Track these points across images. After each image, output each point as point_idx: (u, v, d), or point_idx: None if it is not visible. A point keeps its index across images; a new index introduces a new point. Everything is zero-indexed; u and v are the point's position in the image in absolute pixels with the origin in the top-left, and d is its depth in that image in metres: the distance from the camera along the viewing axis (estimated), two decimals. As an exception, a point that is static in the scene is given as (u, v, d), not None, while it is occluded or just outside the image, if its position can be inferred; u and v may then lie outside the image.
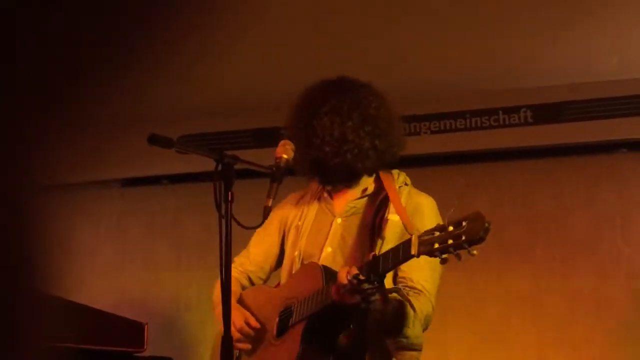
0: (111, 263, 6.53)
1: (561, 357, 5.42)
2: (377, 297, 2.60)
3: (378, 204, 2.97)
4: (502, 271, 5.64)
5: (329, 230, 3.02)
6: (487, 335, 5.57)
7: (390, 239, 2.85)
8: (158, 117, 5.79)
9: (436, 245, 2.38)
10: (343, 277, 2.55)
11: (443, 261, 2.39)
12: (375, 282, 2.55)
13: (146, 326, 5.11)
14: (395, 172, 3.11)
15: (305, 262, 2.98)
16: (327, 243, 2.99)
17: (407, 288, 2.80)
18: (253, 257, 3.23)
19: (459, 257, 2.36)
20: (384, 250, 2.81)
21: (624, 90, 5.51)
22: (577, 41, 5.10)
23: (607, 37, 5.04)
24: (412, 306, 2.73)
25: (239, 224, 2.63)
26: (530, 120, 5.70)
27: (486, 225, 2.31)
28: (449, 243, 2.35)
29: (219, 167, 2.58)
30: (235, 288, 3.11)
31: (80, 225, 6.50)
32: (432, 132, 5.87)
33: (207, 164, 2.61)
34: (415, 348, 2.80)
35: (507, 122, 5.74)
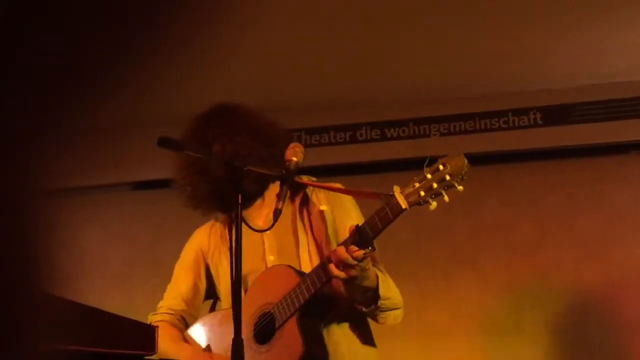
0: (122, 266, 6.53)
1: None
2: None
3: (300, 201, 3.03)
4: (511, 272, 5.63)
5: (262, 242, 3.02)
6: (493, 332, 5.56)
7: (329, 227, 2.93)
8: (169, 121, 5.82)
9: (422, 193, 2.45)
10: (343, 253, 2.56)
11: (429, 204, 2.45)
12: (370, 248, 2.58)
13: (157, 329, 5.10)
14: (297, 177, 3.09)
15: (250, 284, 2.97)
16: (266, 253, 3.01)
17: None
18: (182, 296, 3.21)
19: (446, 195, 2.44)
20: (332, 240, 2.90)
21: (633, 91, 5.51)
22: (586, 43, 5.09)
23: (616, 39, 5.03)
24: (382, 270, 2.81)
25: (249, 227, 2.63)
26: (539, 121, 5.70)
27: (465, 160, 2.45)
28: (434, 187, 2.43)
29: (228, 171, 2.58)
30: (175, 331, 3.13)
31: (90, 228, 6.51)
32: (442, 134, 5.87)
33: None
34: (398, 307, 2.85)
35: (516, 124, 5.74)
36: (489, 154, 5.80)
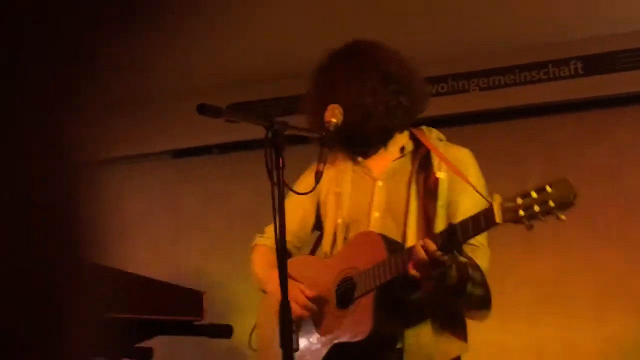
0: (165, 234, 6.59)
1: (589, 336, 5.37)
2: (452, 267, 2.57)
3: (421, 161, 2.92)
4: (559, 228, 5.58)
5: (372, 194, 2.95)
6: (543, 290, 5.54)
7: (440, 196, 2.83)
8: (206, 87, 5.84)
9: (521, 213, 2.32)
10: (422, 253, 2.50)
11: (529, 227, 2.32)
12: (454, 252, 2.53)
13: (204, 295, 5.15)
14: (425, 128, 3.07)
15: (351, 234, 2.93)
16: (373, 208, 2.92)
17: (466, 246, 2.75)
18: (288, 225, 3.18)
19: (543, 220, 2.31)
20: (440, 212, 2.80)
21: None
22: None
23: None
24: (477, 265, 2.71)
25: (291, 190, 2.63)
26: (580, 71, 5.62)
27: (574, 190, 2.28)
28: (535, 210, 2.29)
29: (269, 134, 2.56)
30: (271, 257, 3.06)
31: (133, 197, 6.57)
32: (481, 89, 5.82)
33: (257, 132, 2.59)
34: (486, 307, 2.76)
35: (557, 75, 5.67)
36: (530, 106, 5.74)
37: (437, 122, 5.68)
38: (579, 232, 5.52)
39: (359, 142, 3.03)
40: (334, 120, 2.76)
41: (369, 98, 2.88)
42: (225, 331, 4.84)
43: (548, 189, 2.29)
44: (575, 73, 5.62)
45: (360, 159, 3.06)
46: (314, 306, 2.88)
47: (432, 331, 2.76)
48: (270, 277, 2.96)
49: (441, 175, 2.85)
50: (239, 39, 5.01)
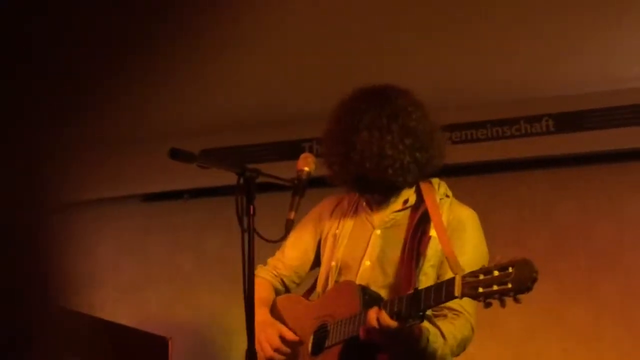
0: (134, 279, 6.54)
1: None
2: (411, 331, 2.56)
3: (419, 217, 2.89)
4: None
5: (368, 242, 2.94)
6: (512, 349, 5.53)
7: (431, 256, 2.80)
8: (179, 132, 5.83)
9: (480, 290, 2.32)
10: (373, 319, 2.50)
11: (487, 305, 2.34)
12: (416, 319, 2.51)
13: (170, 341, 5.10)
14: (435, 181, 3.04)
15: (342, 278, 2.92)
16: (365, 256, 2.91)
17: (445, 309, 2.73)
18: (288, 261, 3.17)
19: (502, 303, 2.31)
20: (425, 268, 2.78)
21: (647, 97, 5.49)
22: (597, 49, 5.07)
23: (629, 44, 5.00)
24: (442, 333, 2.67)
25: (261, 237, 2.62)
26: (552, 129, 5.67)
27: (534, 275, 2.24)
28: (494, 289, 2.30)
29: (241, 181, 2.56)
30: (266, 293, 3.09)
31: (102, 241, 6.52)
32: (454, 142, 5.85)
33: (228, 178, 2.60)
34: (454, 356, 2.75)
35: (528, 131, 5.72)
36: (502, 161, 5.78)
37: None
38: (548, 287, 5.53)
39: (367, 188, 3.01)
40: (306, 168, 2.78)
41: (389, 151, 2.85)
42: (190, 378, 4.80)
43: (510, 269, 2.28)
44: (546, 130, 5.68)
45: (365, 204, 3.05)
46: (287, 349, 2.87)
47: None
48: (257, 312, 2.99)
49: (434, 234, 2.82)
50: (214, 86, 5.02)
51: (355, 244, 2.96)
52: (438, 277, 2.78)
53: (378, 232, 2.94)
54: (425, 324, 2.62)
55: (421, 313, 2.50)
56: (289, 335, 2.88)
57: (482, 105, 5.79)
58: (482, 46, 5.04)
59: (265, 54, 4.91)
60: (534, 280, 2.24)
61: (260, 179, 2.62)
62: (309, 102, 5.64)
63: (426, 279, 2.76)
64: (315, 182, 3.01)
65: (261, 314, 2.95)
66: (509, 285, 2.26)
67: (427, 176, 3.00)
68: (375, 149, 2.85)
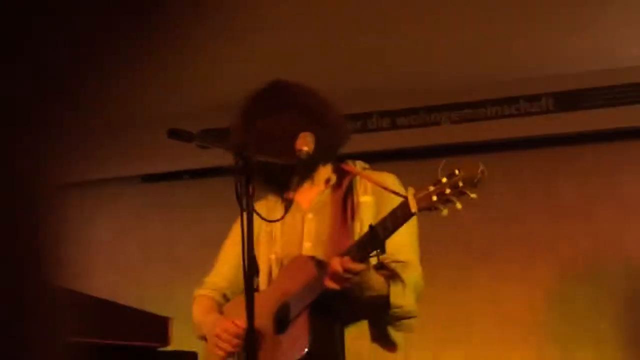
0: (133, 259, 6.55)
1: (586, 353, 5.39)
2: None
3: (344, 190, 2.97)
4: (526, 261, 5.61)
5: (302, 226, 2.98)
6: (511, 327, 5.55)
7: (366, 220, 2.82)
8: (178, 112, 5.82)
9: (434, 198, 2.40)
10: (337, 266, 2.54)
11: (444, 212, 2.40)
12: (379, 250, 2.54)
13: (170, 321, 5.11)
14: (350, 161, 3.09)
15: (286, 262, 2.96)
16: (304, 239, 2.96)
17: (392, 264, 2.79)
18: (225, 274, 3.20)
19: (459, 203, 2.39)
20: (364, 232, 2.80)
21: (647, 76, 5.49)
22: (597, 28, 5.06)
23: (629, 23, 5.00)
24: (399, 277, 2.74)
25: (261, 217, 2.62)
26: (551, 107, 5.67)
27: (480, 167, 2.36)
28: (447, 192, 2.37)
29: (240, 161, 2.56)
30: (208, 304, 3.16)
31: (101, 221, 6.53)
32: (453, 122, 5.86)
33: (227, 158, 2.59)
34: (411, 315, 2.80)
35: (528, 111, 5.72)
36: (501, 141, 5.79)
37: (409, 153, 5.74)
38: (548, 267, 5.55)
39: (282, 177, 2.96)
40: (305, 148, 2.76)
41: (290, 127, 2.89)
42: (190, 358, 4.80)
43: (456, 172, 2.38)
44: (546, 109, 5.68)
45: (288, 194, 3.07)
46: (237, 330, 2.87)
47: (369, 343, 2.81)
48: (204, 321, 3.05)
49: (366, 198, 2.91)
50: (212, 66, 5.01)
51: (291, 232, 3.00)
52: None
53: (310, 215, 2.98)
54: (381, 271, 2.72)
55: (382, 244, 2.54)
56: (239, 322, 2.86)
57: (482, 85, 5.78)
58: (480, 26, 5.03)
59: (266, 33, 4.90)
60: (482, 172, 2.35)
61: (258, 159, 2.61)
62: (306, 81, 5.64)
63: None
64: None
65: (212, 315, 3.05)
66: (461, 184, 2.36)
67: (332, 155, 3.05)
68: (275, 131, 2.90)
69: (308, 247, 2.94)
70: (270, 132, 2.92)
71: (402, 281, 2.75)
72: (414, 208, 2.45)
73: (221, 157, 2.79)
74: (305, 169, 2.82)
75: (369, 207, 2.89)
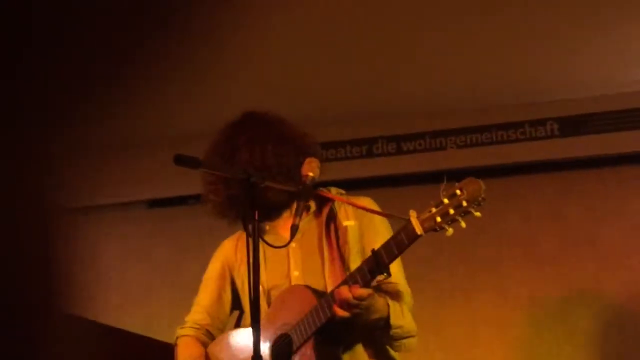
0: (139, 284, 6.53)
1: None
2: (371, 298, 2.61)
3: (327, 216, 2.95)
4: (534, 283, 5.59)
5: (288, 256, 2.96)
6: (516, 347, 5.52)
7: (353, 243, 2.87)
8: (184, 137, 5.83)
9: (439, 219, 2.41)
10: (346, 293, 2.53)
11: (448, 232, 2.42)
12: (385, 275, 2.55)
13: (176, 347, 5.08)
14: (324, 188, 3.07)
15: (276, 293, 2.93)
16: (291, 268, 2.94)
17: (382, 286, 2.80)
18: (206, 309, 3.18)
19: (461, 222, 2.41)
20: (352, 257, 2.84)
21: (651, 100, 5.49)
22: (601, 52, 5.07)
23: (632, 47, 5.01)
24: (397, 297, 2.78)
25: (266, 243, 2.62)
26: (556, 132, 5.68)
27: (482, 186, 2.38)
28: (451, 212, 2.39)
29: (245, 187, 2.56)
30: (194, 350, 3.12)
31: (107, 246, 6.52)
32: (459, 147, 5.86)
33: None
34: (410, 335, 2.80)
35: (533, 135, 5.72)
36: (506, 166, 5.78)
37: (413, 179, 5.74)
38: (554, 290, 5.53)
39: (265, 206, 2.93)
40: (311, 174, 2.76)
41: (272, 160, 2.91)
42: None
43: (458, 192, 2.40)
44: (551, 134, 5.68)
45: (267, 227, 3.06)
46: None
47: None
48: None
49: (350, 223, 2.92)
50: (219, 91, 5.03)
51: (276, 263, 2.97)
52: None
53: (294, 244, 2.91)
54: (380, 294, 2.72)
55: (388, 268, 2.54)
56: None
57: (487, 109, 5.79)
58: (486, 50, 5.04)
59: (272, 58, 4.91)
60: (484, 189, 2.38)
61: (264, 185, 2.61)
62: (313, 106, 5.65)
63: (355, 267, 2.74)
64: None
65: None
66: (464, 203, 2.38)
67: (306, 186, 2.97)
68: (258, 160, 2.90)
69: (297, 276, 2.92)
70: (256, 161, 2.90)
71: (400, 301, 2.78)
72: (419, 230, 2.45)
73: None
74: (308, 196, 2.80)
75: (354, 231, 2.90)
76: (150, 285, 6.51)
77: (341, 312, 2.56)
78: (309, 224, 2.99)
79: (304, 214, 2.98)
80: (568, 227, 5.64)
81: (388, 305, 2.70)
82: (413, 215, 2.47)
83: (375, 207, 2.95)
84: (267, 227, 3.06)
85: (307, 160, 2.81)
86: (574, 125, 5.65)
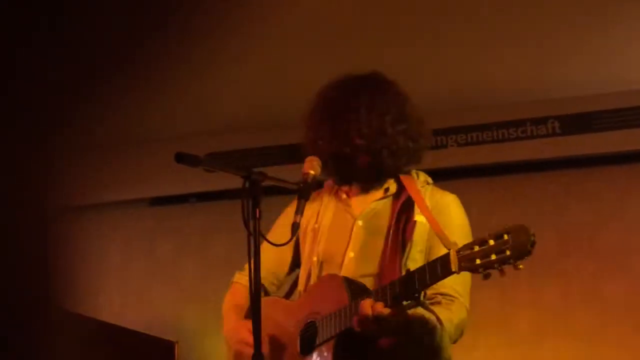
0: (141, 282, 6.53)
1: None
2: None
3: (402, 204, 2.82)
4: (534, 284, 5.59)
5: (350, 233, 2.86)
6: (519, 348, 5.52)
7: (418, 241, 2.74)
8: (185, 136, 5.84)
9: (478, 261, 2.26)
10: (366, 309, 2.44)
11: (486, 277, 2.26)
12: (411, 301, 2.46)
13: (176, 345, 5.10)
14: (414, 172, 2.98)
15: (325, 272, 2.84)
16: (349, 248, 2.83)
17: (439, 296, 2.67)
18: (265, 262, 3.04)
19: (502, 272, 2.23)
20: (413, 254, 2.72)
21: (653, 98, 5.49)
22: (603, 50, 5.07)
23: (634, 45, 5.00)
24: (438, 319, 2.60)
25: (267, 240, 2.61)
26: (558, 130, 5.67)
27: (532, 238, 2.21)
28: (492, 258, 2.23)
29: (247, 184, 2.56)
30: (241, 300, 3.01)
31: (109, 244, 6.52)
32: (460, 145, 5.86)
33: (234, 182, 2.59)
34: (452, 341, 2.67)
35: (534, 134, 5.72)
36: (508, 164, 5.78)
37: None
38: (555, 290, 5.53)
39: (347, 173, 2.95)
40: (311, 172, 2.73)
41: (389, 129, 2.84)
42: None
43: (505, 236, 2.24)
44: (552, 132, 5.68)
45: (344, 195, 2.98)
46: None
47: None
48: (227, 319, 2.99)
49: (420, 218, 2.76)
50: (220, 89, 5.03)
51: (337, 237, 2.89)
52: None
53: (360, 222, 2.87)
54: (421, 310, 2.58)
55: (416, 295, 2.45)
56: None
57: (488, 107, 5.79)
58: (487, 48, 5.04)
59: (273, 56, 4.91)
60: (533, 243, 2.20)
61: (265, 182, 2.61)
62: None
63: (414, 265, 2.65)
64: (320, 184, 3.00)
65: (231, 319, 2.96)
66: (508, 253, 2.20)
67: (408, 167, 2.96)
68: (375, 125, 2.83)
69: (351, 257, 2.82)
70: (373, 127, 2.84)
71: (441, 323, 2.61)
72: (454, 267, 2.32)
73: (228, 181, 2.79)
74: (308, 194, 2.74)
75: (424, 229, 2.75)
76: (152, 283, 6.51)
77: (358, 326, 2.48)
78: (384, 207, 2.89)
79: (382, 194, 2.91)
80: (569, 225, 5.64)
81: (423, 327, 2.56)
82: (454, 248, 2.34)
83: (454, 206, 2.88)
84: (343, 195, 2.99)
85: (308, 158, 2.79)
86: (575, 123, 5.65)
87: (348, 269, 2.80)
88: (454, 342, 2.71)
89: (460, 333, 2.71)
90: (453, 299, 2.69)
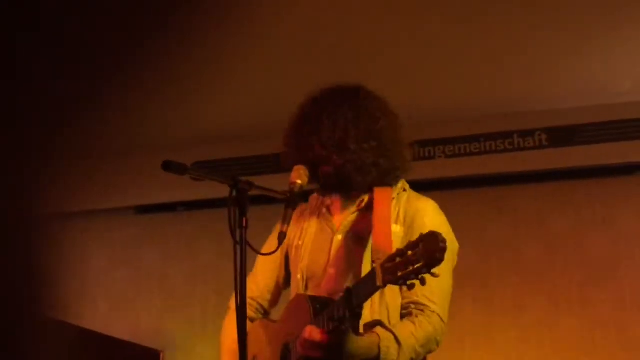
0: (126, 290, 6.52)
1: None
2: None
3: (369, 216, 2.79)
4: (520, 295, 5.60)
5: (330, 248, 2.85)
6: (504, 358, 5.53)
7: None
8: (172, 144, 5.83)
9: (399, 273, 2.22)
10: (306, 334, 2.47)
11: (410, 287, 2.25)
12: (352, 320, 2.43)
13: (161, 354, 5.09)
14: (400, 182, 2.94)
15: (313, 287, 2.82)
16: (329, 264, 2.82)
17: (411, 305, 2.65)
18: (261, 280, 3.08)
19: (422, 281, 2.19)
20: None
21: (639, 112, 5.51)
22: (590, 64, 5.09)
23: (621, 59, 5.03)
24: (396, 339, 2.55)
25: (253, 249, 2.60)
26: (545, 143, 5.69)
27: (441, 245, 2.14)
28: (409, 270, 2.19)
29: (233, 193, 2.55)
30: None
31: (95, 252, 6.51)
32: (447, 157, 5.87)
33: (221, 190, 2.58)
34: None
35: (522, 146, 5.73)
36: (495, 175, 5.80)
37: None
38: (540, 299, 5.54)
39: (322, 181, 2.92)
40: (299, 181, 2.72)
41: (351, 145, 2.80)
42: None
43: (420, 245, 2.19)
44: (539, 144, 5.70)
45: (324, 210, 2.97)
46: None
47: None
48: (226, 352, 2.97)
49: (397, 228, 2.74)
50: (207, 98, 5.03)
51: (318, 253, 2.88)
52: None
53: (339, 237, 2.85)
54: (378, 329, 2.56)
55: (357, 311, 2.42)
56: None
57: (476, 119, 5.80)
58: (475, 60, 5.06)
59: (259, 66, 4.91)
60: (443, 250, 2.13)
61: (252, 192, 2.60)
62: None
63: None
64: (307, 194, 2.99)
65: (226, 352, 2.97)
66: (421, 262, 2.16)
67: (386, 183, 2.90)
68: (336, 138, 2.80)
69: (331, 274, 2.80)
70: (336, 139, 2.81)
71: (399, 344, 2.56)
72: (379, 282, 2.30)
73: (215, 189, 2.79)
74: (295, 203, 2.71)
75: (397, 239, 2.69)
76: (137, 291, 6.49)
77: (300, 351, 2.51)
78: (361, 219, 2.86)
79: (357, 207, 2.89)
80: (555, 237, 5.65)
81: (379, 346, 2.52)
82: (378, 263, 2.32)
83: (431, 210, 2.84)
84: (324, 210, 2.98)
85: (295, 167, 2.78)
86: (562, 135, 5.67)
87: (329, 285, 2.79)
88: (428, 353, 2.69)
89: (431, 345, 2.67)
90: (423, 308, 2.66)
